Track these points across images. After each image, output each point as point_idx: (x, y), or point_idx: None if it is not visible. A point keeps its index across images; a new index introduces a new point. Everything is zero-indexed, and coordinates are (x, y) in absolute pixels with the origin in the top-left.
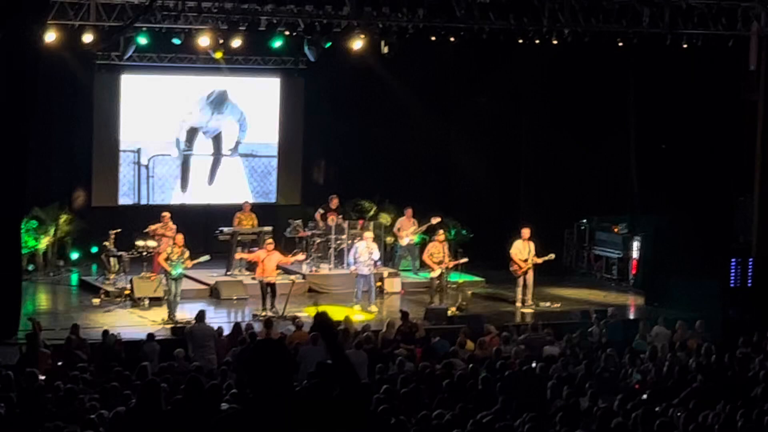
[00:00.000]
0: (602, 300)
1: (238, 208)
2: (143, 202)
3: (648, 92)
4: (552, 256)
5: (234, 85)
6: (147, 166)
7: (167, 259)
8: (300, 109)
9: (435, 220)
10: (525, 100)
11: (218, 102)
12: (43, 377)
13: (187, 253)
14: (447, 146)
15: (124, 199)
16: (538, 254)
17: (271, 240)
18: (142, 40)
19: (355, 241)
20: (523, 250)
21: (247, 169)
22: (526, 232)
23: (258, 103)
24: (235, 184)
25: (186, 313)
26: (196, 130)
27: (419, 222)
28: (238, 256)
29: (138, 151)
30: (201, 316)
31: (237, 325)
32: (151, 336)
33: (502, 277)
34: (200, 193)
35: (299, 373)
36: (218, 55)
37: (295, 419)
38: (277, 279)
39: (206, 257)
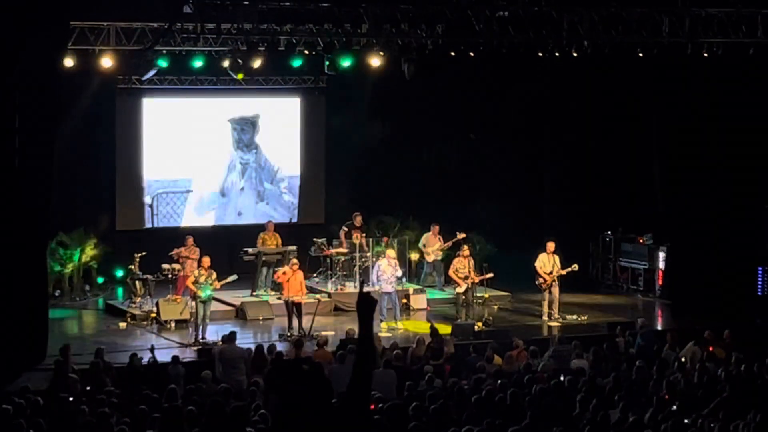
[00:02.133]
0: (629, 312)
1: (261, 228)
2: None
3: (671, 102)
4: (575, 266)
5: (255, 107)
6: (151, 206)
7: (195, 282)
8: (321, 127)
9: (461, 236)
10: (547, 113)
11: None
12: (70, 399)
13: (214, 275)
14: (470, 161)
15: (149, 222)
16: (562, 266)
17: (295, 260)
18: (163, 63)
19: (379, 259)
20: (547, 263)
21: (264, 191)
22: (550, 245)
23: (280, 123)
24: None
25: (212, 334)
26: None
27: (444, 238)
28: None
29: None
30: (231, 336)
31: (259, 347)
32: (176, 359)
33: (528, 291)
34: (220, 215)
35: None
36: (239, 76)
37: None
38: (303, 299)
39: (234, 277)
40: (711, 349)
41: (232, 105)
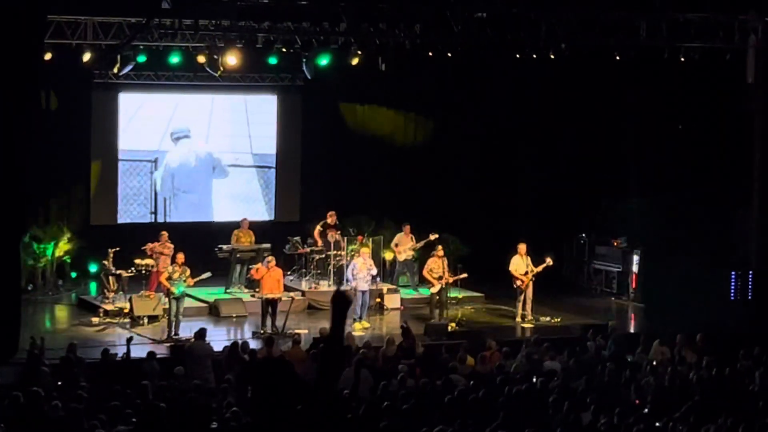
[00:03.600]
0: (602, 314)
1: (235, 225)
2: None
3: (645, 105)
4: (549, 261)
5: (230, 102)
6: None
7: (169, 278)
8: (297, 125)
9: (433, 236)
10: (522, 114)
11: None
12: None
13: (188, 272)
14: (444, 162)
15: (123, 217)
16: (535, 264)
17: (272, 257)
18: (140, 58)
19: (354, 257)
20: (521, 265)
21: (238, 185)
22: (522, 247)
23: (255, 120)
24: (234, 200)
25: (185, 331)
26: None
27: (417, 238)
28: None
29: (155, 161)
30: (201, 333)
31: (234, 344)
32: (151, 354)
33: (502, 292)
34: (193, 211)
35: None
36: (219, 72)
37: None
38: (279, 296)
39: (208, 274)
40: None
41: (207, 101)
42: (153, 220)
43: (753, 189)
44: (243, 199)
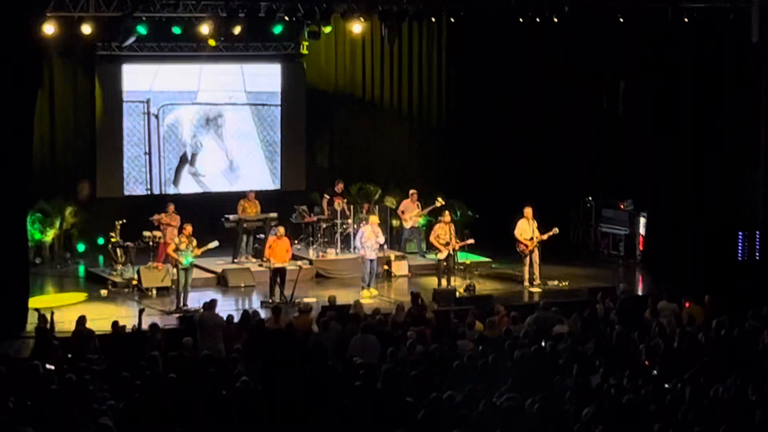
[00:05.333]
0: (610, 277)
1: (242, 195)
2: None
3: (650, 67)
4: (556, 230)
5: (233, 74)
6: (157, 116)
7: (176, 249)
8: (302, 94)
9: (439, 202)
10: (527, 78)
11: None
12: (52, 367)
13: (194, 242)
14: (450, 127)
15: (129, 189)
16: (541, 231)
17: (281, 228)
18: (142, 30)
19: (361, 225)
20: (527, 229)
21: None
22: (528, 211)
23: (259, 89)
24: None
25: (194, 301)
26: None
27: (424, 204)
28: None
29: (147, 102)
30: (212, 304)
31: (245, 313)
32: (154, 326)
33: (510, 256)
34: (201, 182)
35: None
36: (211, 43)
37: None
38: (287, 265)
39: (215, 243)
40: (687, 305)
41: (212, 71)
42: (158, 192)
43: (759, 149)
44: (248, 168)
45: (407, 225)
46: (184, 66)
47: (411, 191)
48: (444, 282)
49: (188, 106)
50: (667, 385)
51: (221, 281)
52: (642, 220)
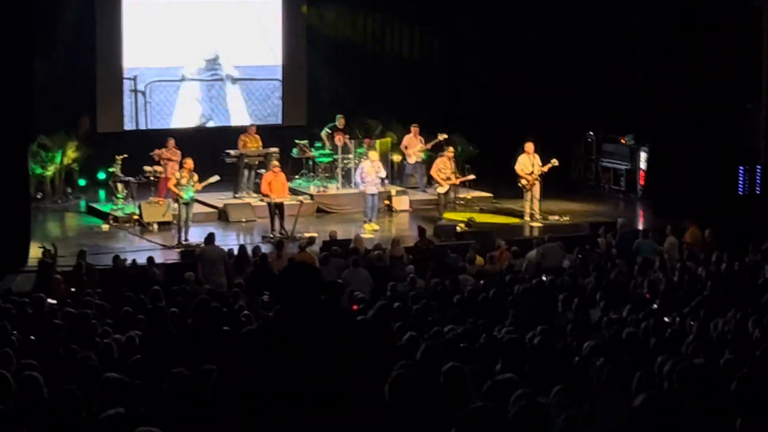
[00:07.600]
0: (611, 212)
1: (242, 130)
2: (142, 127)
3: (654, 3)
4: (555, 161)
5: (234, 7)
6: (144, 93)
7: (177, 184)
8: (302, 28)
9: (442, 137)
10: (530, 14)
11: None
12: (54, 302)
13: (195, 177)
14: (451, 62)
15: (130, 124)
16: (543, 164)
17: (276, 162)
18: None
19: (362, 160)
20: (528, 164)
21: (245, 93)
22: (529, 146)
23: (260, 23)
24: (234, 109)
25: (195, 236)
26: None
27: (426, 139)
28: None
29: (135, 78)
30: (210, 238)
31: (242, 248)
32: (151, 260)
33: (510, 191)
34: (200, 118)
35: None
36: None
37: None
38: (286, 200)
39: (215, 177)
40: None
41: (212, 6)
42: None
43: (761, 84)
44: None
45: (411, 160)
46: None
47: (413, 126)
48: (444, 216)
49: None
50: (667, 319)
51: (222, 216)
52: (643, 155)
